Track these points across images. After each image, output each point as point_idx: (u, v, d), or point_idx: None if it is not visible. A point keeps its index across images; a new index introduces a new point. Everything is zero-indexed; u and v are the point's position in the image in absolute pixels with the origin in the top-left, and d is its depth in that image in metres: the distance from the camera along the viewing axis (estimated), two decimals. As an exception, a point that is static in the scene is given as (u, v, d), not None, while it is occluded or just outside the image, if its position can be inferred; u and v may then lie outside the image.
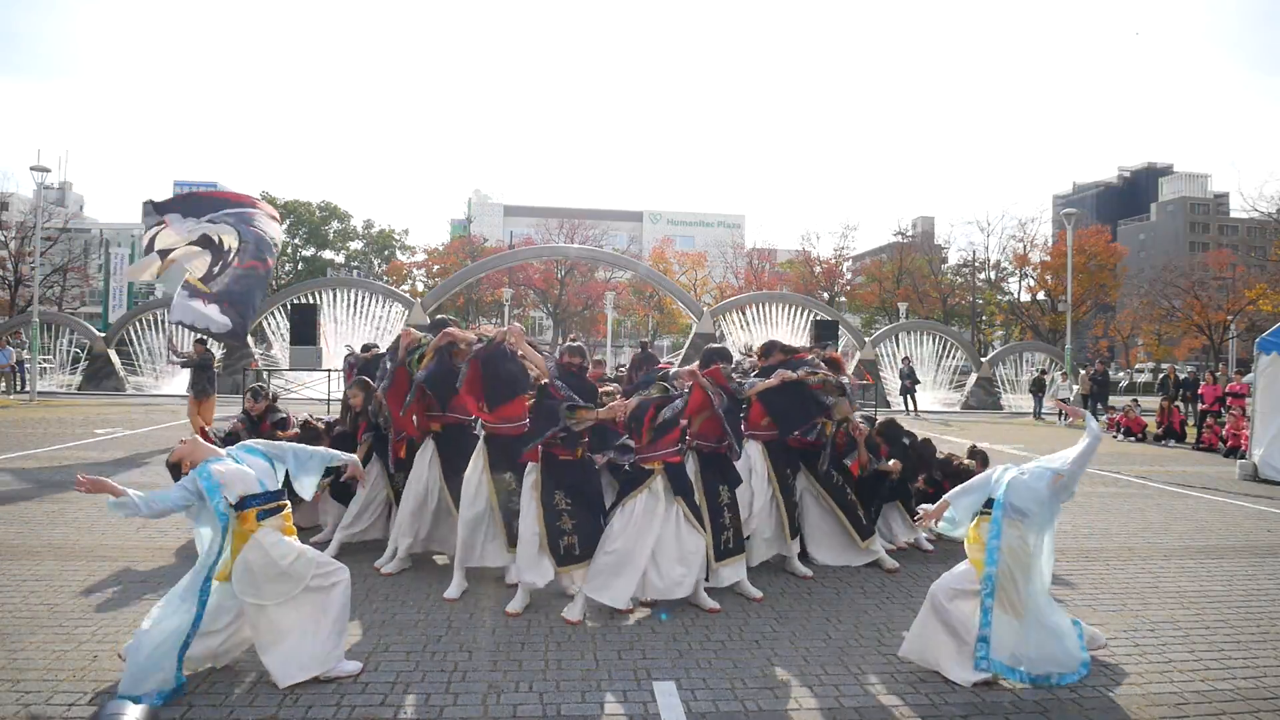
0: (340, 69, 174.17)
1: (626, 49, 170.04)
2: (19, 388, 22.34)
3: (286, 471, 4.03)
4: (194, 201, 10.27)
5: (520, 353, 5.00)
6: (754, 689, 3.81)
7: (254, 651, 4.10)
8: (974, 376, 27.75)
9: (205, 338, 12.22)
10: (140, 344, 25.55)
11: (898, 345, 27.79)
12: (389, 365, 5.67)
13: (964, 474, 5.97)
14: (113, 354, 24.85)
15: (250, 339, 20.95)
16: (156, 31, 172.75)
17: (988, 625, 3.88)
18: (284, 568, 3.69)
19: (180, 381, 25.08)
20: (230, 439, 5.98)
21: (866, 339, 28.05)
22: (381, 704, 3.55)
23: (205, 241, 9.30)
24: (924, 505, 4.39)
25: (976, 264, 47.58)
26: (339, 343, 22.28)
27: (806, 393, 5.54)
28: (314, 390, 20.63)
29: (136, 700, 3.41)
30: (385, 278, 49.46)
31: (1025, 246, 45.61)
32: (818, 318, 24.85)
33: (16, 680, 3.72)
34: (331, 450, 4.39)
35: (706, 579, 5.01)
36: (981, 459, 6.70)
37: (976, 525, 4.11)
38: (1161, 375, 21.77)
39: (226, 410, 13.26)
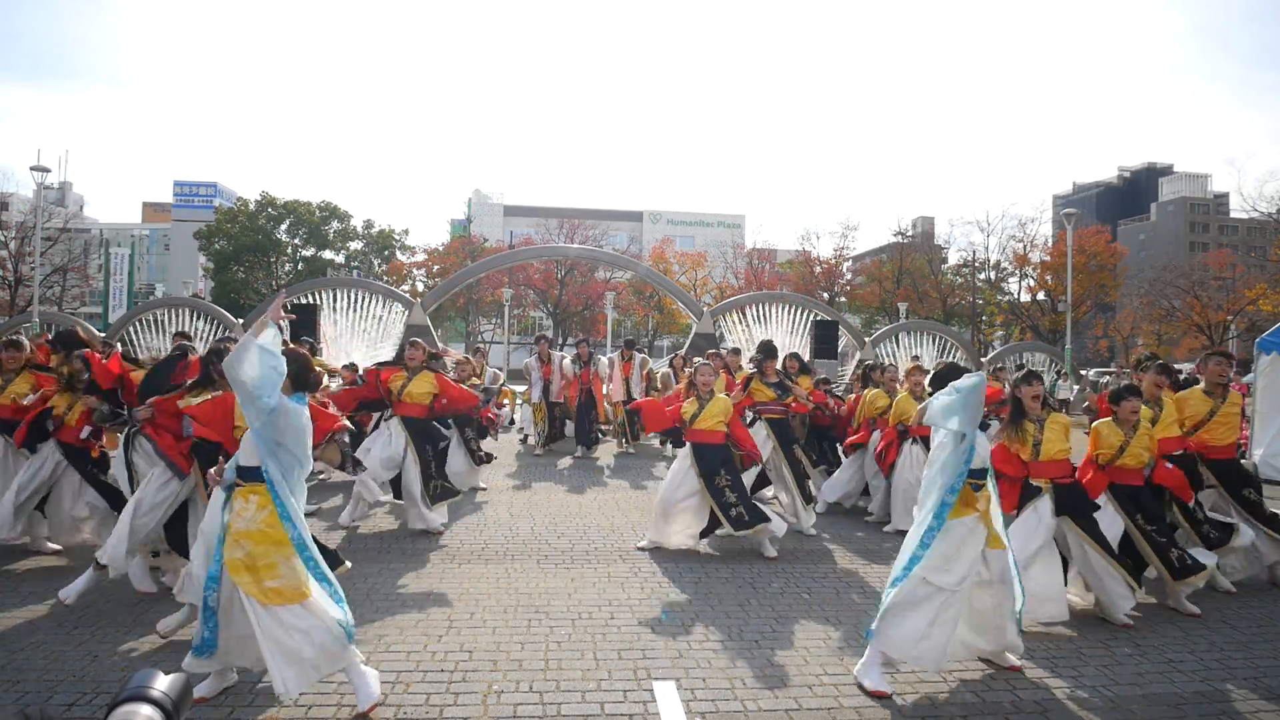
0: (340, 69, 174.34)
1: (626, 49, 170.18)
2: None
3: None
4: None
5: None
6: (754, 689, 3.82)
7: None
8: None
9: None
10: (140, 344, 25.56)
11: (898, 345, 27.74)
12: None
13: None
14: (112, 354, 24.85)
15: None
16: (156, 31, 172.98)
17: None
18: None
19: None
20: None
21: (866, 339, 28.01)
22: (381, 704, 3.55)
23: None
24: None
25: (976, 264, 47.54)
26: (339, 343, 22.25)
27: None
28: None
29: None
30: (385, 278, 49.35)
31: (1025, 246, 45.51)
32: (818, 318, 24.78)
33: (16, 680, 3.72)
34: None
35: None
36: None
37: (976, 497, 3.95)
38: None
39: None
